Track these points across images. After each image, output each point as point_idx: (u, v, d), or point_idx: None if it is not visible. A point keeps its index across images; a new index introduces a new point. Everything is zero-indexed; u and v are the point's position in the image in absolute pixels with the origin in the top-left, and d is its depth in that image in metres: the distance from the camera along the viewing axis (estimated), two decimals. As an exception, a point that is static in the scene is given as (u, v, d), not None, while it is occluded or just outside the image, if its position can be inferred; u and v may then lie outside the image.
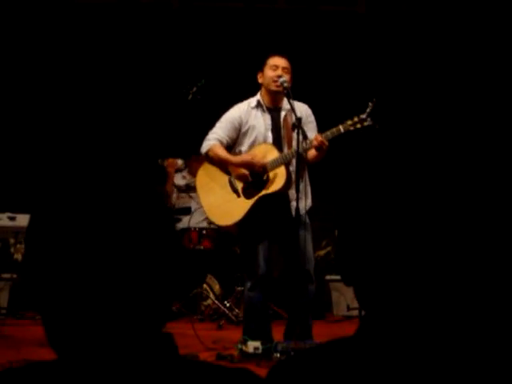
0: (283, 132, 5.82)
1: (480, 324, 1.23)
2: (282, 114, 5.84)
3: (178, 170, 8.45)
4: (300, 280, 5.72)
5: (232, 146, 5.89)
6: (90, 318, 1.22)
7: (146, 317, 1.25)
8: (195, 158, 8.28)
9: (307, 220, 5.71)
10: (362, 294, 1.29)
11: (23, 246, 7.68)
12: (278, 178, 5.75)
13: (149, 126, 8.94)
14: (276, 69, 5.77)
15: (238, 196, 5.85)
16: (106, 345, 1.23)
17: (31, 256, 1.26)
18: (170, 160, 8.27)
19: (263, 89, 5.86)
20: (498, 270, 1.22)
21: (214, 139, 5.83)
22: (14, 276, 7.96)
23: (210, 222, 7.70)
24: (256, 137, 5.81)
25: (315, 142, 5.53)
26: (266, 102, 5.85)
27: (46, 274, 1.24)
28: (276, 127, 5.83)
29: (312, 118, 5.89)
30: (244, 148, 5.84)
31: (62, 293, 1.23)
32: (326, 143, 5.55)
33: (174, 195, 8.35)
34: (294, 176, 5.65)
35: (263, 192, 5.78)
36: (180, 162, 8.29)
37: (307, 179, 5.84)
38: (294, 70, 5.88)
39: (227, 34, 9.28)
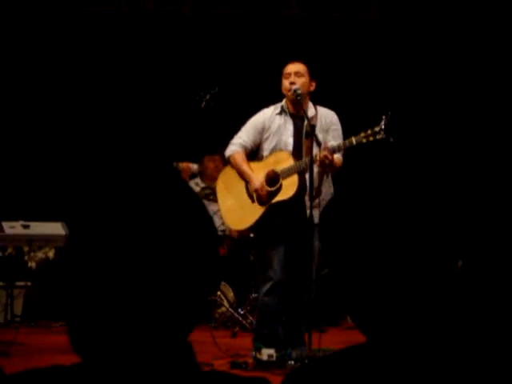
0: (304, 139, 5.83)
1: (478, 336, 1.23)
2: (306, 121, 5.84)
3: (193, 176, 8.44)
4: (299, 289, 5.75)
5: (256, 150, 5.94)
6: (119, 327, 1.22)
7: (175, 326, 1.25)
8: (208, 159, 8.27)
9: None
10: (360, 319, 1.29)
11: (37, 254, 7.72)
12: (290, 187, 5.77)
13: (162, 133, 8.95)
14: (289, 76, 5.80)
15: (253, 202, 5.89)
16: (129, 352, 1.23)
17: (69, 265, 1.26)
18: (185, 165, 8.26)
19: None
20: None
21: (238, 144, 5.90)
22: (29, 284, 7.98)
23: (223, 230, 7.73)
24: (277, 143, 5.85)
25: (318, 158, 5.54)
26: (289, 108, 5.88)
27: (80, 283, 1.24)
28: (298, 134, 5.84)
29: (337, 127, 5.90)
30: (266, 153, 5.89)
31: (94, 301, 1.22)
32: (330, 158, 5.54)
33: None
34: (315, 183, 5.65)
35: (275, 199, 5.81)
36: (195, 166, 8.28)
37: (330, 187, 5.83)
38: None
39: (240, 41, 9.28)
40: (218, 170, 7.69)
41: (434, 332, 1.22)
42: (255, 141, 5.90)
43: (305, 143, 5.80)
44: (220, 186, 6.18)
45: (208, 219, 1.31)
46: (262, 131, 5.87)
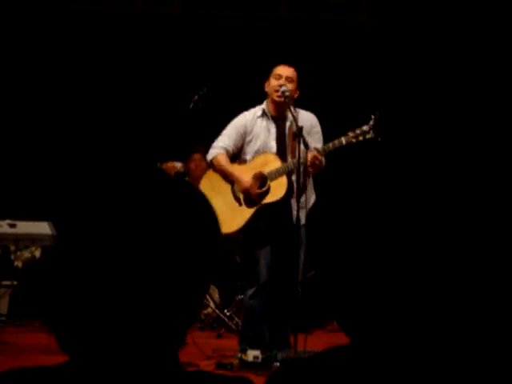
0: (288, 141, 5.83)
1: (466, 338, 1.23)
2: (288, 123, 5.83)
3: (178, 175, 8.39)
4: (284, 290, 5.75)
5: (238, 154, 5.91)
6: (106, 328, 1.22)
7: (167, 326, 1.24)
8: (188, 161, 8.21)
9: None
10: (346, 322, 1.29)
11: (23, 253, 7.69)
12: (279, 188, 5.76)
13: (150, 134, 8.93)
14: (279, 78, 5.77)
15: (240, 204, 5.87)
16: (116, 352, 1.23)
17: (58, 264, 1.26)
18: (170, 164, 8.21)
19: (268, 98, 5.86)
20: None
21: (220, 147, 5.86)
22: (14, 283, 7.95)
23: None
24: (260, 146, 5.83)
25: (308, 159, 5.54)
26: (271, 110, 5.85)
27: (70, 282, 1.24)
28: (281, 136, 5.83)
29: (317, 129, 5.89)
30: (248, 157, 5.86)
31: (83, 300, 1.22)
32: (320, 158, 5.56)
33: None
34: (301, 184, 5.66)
35: (263, 202, 5.80)
36: (179, 165, 8.24)
37: (312, 188, 5.84)
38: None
39: (229, 43, 9.27)
40: (200, 169, 7.65)
41: (419, 335, 1.22)
42: (237, 144, 5.86)
43: (289, 145, 5.80)
44: (204, 189, 6.10)
45: (211, 214, 1.30)
46: (245, 134, 5.84)
